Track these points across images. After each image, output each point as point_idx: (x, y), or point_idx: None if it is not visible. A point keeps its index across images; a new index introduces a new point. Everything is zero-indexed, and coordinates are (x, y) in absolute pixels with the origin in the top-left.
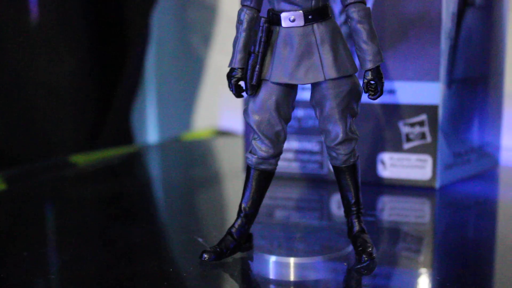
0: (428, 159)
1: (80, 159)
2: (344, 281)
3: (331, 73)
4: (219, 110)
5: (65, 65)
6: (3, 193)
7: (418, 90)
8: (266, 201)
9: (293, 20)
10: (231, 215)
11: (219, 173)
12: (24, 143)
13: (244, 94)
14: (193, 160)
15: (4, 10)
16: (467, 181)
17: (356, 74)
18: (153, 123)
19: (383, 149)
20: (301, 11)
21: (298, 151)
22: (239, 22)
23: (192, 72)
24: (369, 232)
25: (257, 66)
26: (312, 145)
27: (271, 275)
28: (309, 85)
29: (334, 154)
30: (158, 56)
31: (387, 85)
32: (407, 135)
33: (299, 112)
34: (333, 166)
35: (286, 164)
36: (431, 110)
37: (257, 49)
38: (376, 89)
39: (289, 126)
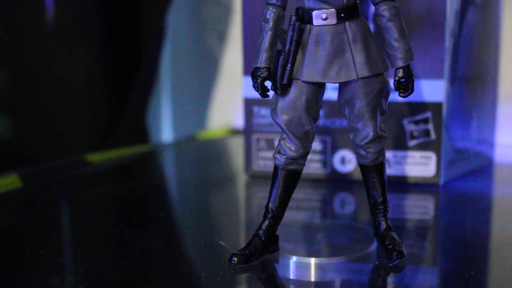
0: (432, 156)
1: (96, 157)
2: (370, 281)
3: (364, 71)
4: (234, 109)
5: (80, 64)
6: (19, 191)
7: (423, 88)
8: None
9: (325, 19)
10: (248, 216)
11: (234, 172)
12: (39, 141)
13: (269, 93)
14: (208, 159)
15: (20, 9)
16: (466, 177)
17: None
18: (168, 122)
19: (387, 147)
20: (333, 9)
21: None
22: (265, 20)
23: (207, 71)
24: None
25: (289, 65)
26: (315, 144)
27: (299, 277)
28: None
29: (363, 153)
30: (173, 54)
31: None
32: (411, 133)
33: None
34: (361, 165)
35: None
36: (435, 107)
37: (287, 47)
38: (407, 87)
39: None
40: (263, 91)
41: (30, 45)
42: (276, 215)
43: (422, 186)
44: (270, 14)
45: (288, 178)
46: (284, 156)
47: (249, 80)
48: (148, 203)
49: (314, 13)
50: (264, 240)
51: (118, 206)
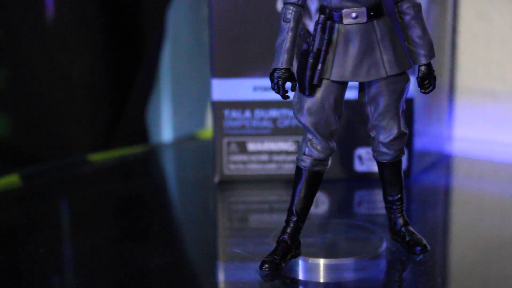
0: (405, 151)
1: (96, 157)
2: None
3: (392, 69)
4: None
5: (80, 63)
6: (19, 190)
7: None
8: (260, 205)
9: (356, 17)
10: (253, 219)
11: None
12: (39, 141)
13: (289, 95)
14: (208, 158)
15: (20, 8)
16: (427, 172)
17: None
18: (167, 121)
19: (359, 144)
20: (364, 8)
21: (273, 152)
22: (286, 20)
23: (207, 70)
24: (351, 226)
25: (319, 65)
26: (288, 145)
27: (308, 278)
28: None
29: (385, 150)
30: (173, 53)
31: None
32: None
33: (273, 113)
34: (380, 163)
35: (261, 166)
36: (406, 103)
37: (315, 47)
38: (429, 84)
39: (263, 128)
40: (284, 92)
41: (30, 44)
42: (301, 218)
43: None
44: (291, 13)
45: (314, 180)
46: (311, 158)
47: (219, 82)
48: (150, 204)
49: (344, 11)
50: (291, 244)
51: (118, 205)
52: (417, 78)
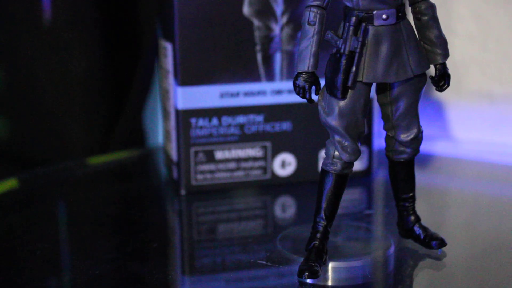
0: (365, 150)
1: (93, 160)
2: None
3: (418, 69)
4: None
5: (78, 66)
6: (17, 194)
7: None
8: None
9: (387, 18)
10: (257, 226)
11: None
12: (37, 144)
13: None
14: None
15: (17, 10)
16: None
17: None
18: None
19: (323, 145)
20: (394, 9)
21: (241, 159)
22: (310, 23)
23: None
24: (351, 227)
25: (353, 67)
26: (255, 151)
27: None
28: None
29: (404, 149)
30: None
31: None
32: None
33: (241, 119)
34: (396, 162)
35: (229, 174)
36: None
37: (347, 49)
38: (445, 82)
39: (231, 135)
40: (311, 96)
41: (27, 46)
42: (330, 222)
43: (356, 180)
44: (316, 16)
45: (342, 183)
46: (341, 161)
47: (185, 90)
48: (146, 206)
49: (376, 13)
50: (322, 249)
51: (115, 208)
52: (433, 77)
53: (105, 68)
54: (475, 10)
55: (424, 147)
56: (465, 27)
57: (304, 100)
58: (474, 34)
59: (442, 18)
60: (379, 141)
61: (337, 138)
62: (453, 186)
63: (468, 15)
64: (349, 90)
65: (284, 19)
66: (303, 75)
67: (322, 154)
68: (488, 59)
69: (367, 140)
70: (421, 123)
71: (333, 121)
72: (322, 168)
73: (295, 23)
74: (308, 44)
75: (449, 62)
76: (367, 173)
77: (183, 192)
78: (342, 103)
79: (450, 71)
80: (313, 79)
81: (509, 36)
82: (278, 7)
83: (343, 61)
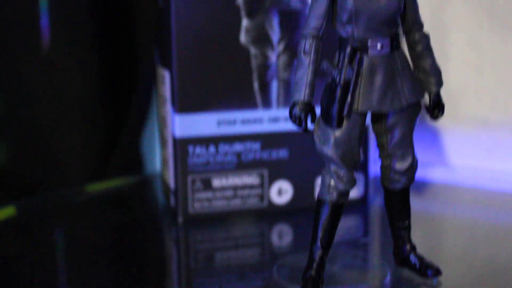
0: (361, 178)
1: (91, 188)
2: None
3: (412, 98)
4: None
5: (76, 92)
6: (15, 221)
7: None
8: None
9: (381, 48)
10: (254, 254)
11: None
12: (34, 171)
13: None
14: None
15: (16, 35)
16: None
17: None
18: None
19: (319, 172)
20: (388, 39)
21: (238, 187)
22: (306, 53)
23: None
24: (347, 255)
25: (348, 97)
26: (252, 179)
27: None
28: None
29: (399, 178)
30: None
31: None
32: None
33: (238, 147)
34: (391, 190)
35: (225, 202)
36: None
37: (342, 79)
38: (439, 111)
39: (228, 162)
40: (307, 125)
41: (25, 72)
42: (326, 251)
43: (352, 207)
44: (312, 46)
45: (338, 212)
46: (337, 190)
47: (183, 117)
48: (143, 233)
49: (370, 43)
50: (318, 279)
51: (113, 236)
52: (428, 106)
53: (103, 94)
54: (470, 37)
55: (419, 173)
56: (460, 53)
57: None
58: (469, 60)
59: (437, 44)
60: (375, 168)
61: (333, 167)
62: (448, 213)
63: (463, 42)
64: (345, 120)
65: (281, 47)
66: (299, 105)
67: (319, 181)
68: (483, 85)
69: (363, 167)
70: (417, 149)
71: (328, 150)
72: (318, 197)
73: (292, 51)
74: (304, 74)
75: (444, 88)
76: (363, 200)
77: (180, 219)
78: (338, 132)
79: (445, 96)
80: (309, 108)
81: (504, 63)
82: (275, 35)
83: (339, 91)
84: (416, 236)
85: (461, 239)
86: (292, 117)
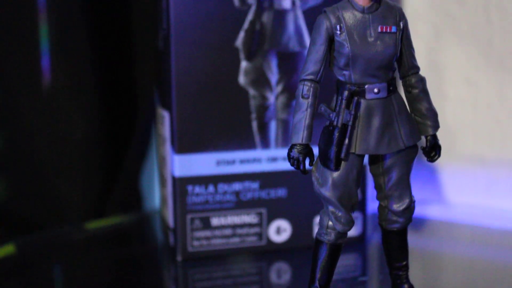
0: (359, 216)
1: (90, 225)
2: None
3: (408, 141)
4: None
5: (76, 130)
6: (13, 259)
7: None
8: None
9: (378, 92)
10: None
11: None
12: (34, 208)
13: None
14: None
15: (17, 74)
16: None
17: None
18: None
19: (317, 211)
20: (385, 83)
21: (236, 226)
22: (304, 97)
23: None
24: None
25: (346, 139)
26: (251, 217)
27: None
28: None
29: (396, 219)
30: None
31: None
32: None
33: (236, 186)
34: (388, 231)
35: (224, 241)
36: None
37: (339, 122)
38: (435, 153)
39: (227, 201)
40: (305, 167)
41: (26, 111)
42: None
43: (351, 246)
44: (310, 90)
45: (336, 252)
46: (335, 231)
47: (182, 158)
48: (142, 271)
49: (367, 87)
50: None
51: (112, 274)
52: (425, 148)
53: (103, 133)
54: (466, 76)
55: (417, 210)
56: (457, 92)
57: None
58: (465, 98)
59: (434, 82)
60: (373, 205)
61: (331, 208)
62: (446, 250)
63: (459, 81)
64: (342, 162)
65: (279, 88)
66: (297, 147)
67: (317, 220)
68: (479, 123)
69: (361, 206)
70: (414, 186)
71: (326, 192)
72: (316, 238)
73: (290, 92)
74: (302, 117)
75: (441, 126)
76: (361, 238)
77: (179, 258)
78: (336, 174)
79: (442, 134)
80: (307, 150)
81: (500, 101)
82: (273, 77)
83: (336, 134)
84: (414, 273)
85: (459, 276)
86: (290, 159)
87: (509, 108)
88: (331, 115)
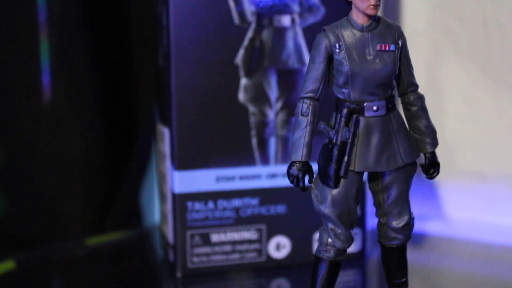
0: (358, 232)
1: (90, 241)
2: None
3: (407, 158)
4: None
5: (76, 146)
6: (13, 275)
7: None
8: None
9: (377, 110)
10: None
11: None
12: (34, 224)
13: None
14: None
15: (17, 91)
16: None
17: None
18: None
19: (317, 228)
20: (384, 101)
21: (236, 242)
22: (303, 114)
23: None
24: None
25: (345, 157)
26: (250, 234)
27: None
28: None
29: (395, 235)
30: None
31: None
32: None
33: (236, 202)
34: (388, 248)
35: (224, 257)
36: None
37: (339, 140)
38: (434, 170)
39: (226, 218)
40: (304, 184)
41: (26, 128)
42: None
43: (350, 262)
44: (309, 107)
45: (335, 269)
46: (335, 248)
47: (182, 174)
48: (142, 287)
49: (366, 104)
50: None
51: None
52: (423, 165)
53: (103, 149)
54: (465, 92)
55: (416, 226)
56: (456, 108)
57: (288, 183)
58: (464, 115)
59: (433, 99)
60: (372, 221)
61: (330, 225)
62: (446, 266)
63: (458, 97)
64: (342, 179)
65: (279, 105)
66: (297, 164)
67: (316, 236)
68: (478, 139)
69: (361, 222)
70: (413, 202)
71: (326, 209)
72: (315, 255)
73: (289, 108)
74: (302, 135)
75: (440, 142)
76: (361, 255)
77: (179, 274)
78: (335, 191)
79: (441, 150)
80: (306, 168)
81: (499, 117)
82: (273, 94)
83: (335, 151)
84: None
85: None
86: (290, 176)
87: (508, 124)
88: (330, 132)
